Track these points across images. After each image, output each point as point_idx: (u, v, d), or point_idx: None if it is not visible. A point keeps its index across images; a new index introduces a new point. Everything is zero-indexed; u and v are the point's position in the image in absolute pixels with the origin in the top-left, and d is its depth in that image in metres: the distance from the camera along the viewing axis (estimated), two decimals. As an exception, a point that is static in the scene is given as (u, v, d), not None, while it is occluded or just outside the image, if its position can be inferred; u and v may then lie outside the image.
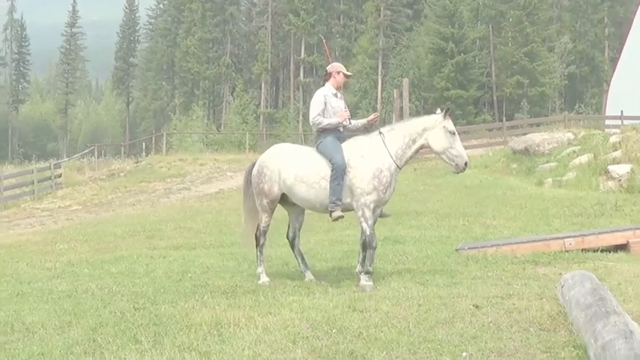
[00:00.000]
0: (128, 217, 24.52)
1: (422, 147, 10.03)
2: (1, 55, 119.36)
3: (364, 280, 9.51)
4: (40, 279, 11.98)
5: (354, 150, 9.88)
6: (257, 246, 10.35)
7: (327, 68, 10.62)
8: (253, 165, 10.49)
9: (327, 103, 10.19)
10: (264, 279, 10.10)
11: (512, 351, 6.48)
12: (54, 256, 14.74)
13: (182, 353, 6.65)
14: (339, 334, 7.04)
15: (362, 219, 9.71)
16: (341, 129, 10.23)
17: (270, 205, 10.18)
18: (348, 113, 10.30)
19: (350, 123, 10.38)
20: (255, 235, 10.38)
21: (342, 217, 9.84)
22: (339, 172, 9.66)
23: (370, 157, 9.80)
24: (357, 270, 9.92)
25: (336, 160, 9.71)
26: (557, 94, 78.91)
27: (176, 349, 6.79)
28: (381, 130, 10.14)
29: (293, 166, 10.00)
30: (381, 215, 10.38)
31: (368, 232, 9.67)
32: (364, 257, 9.74)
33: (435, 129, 9.90)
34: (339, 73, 10.44)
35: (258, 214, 10.41)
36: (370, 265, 9.65)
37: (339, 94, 10.43)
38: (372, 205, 9.70)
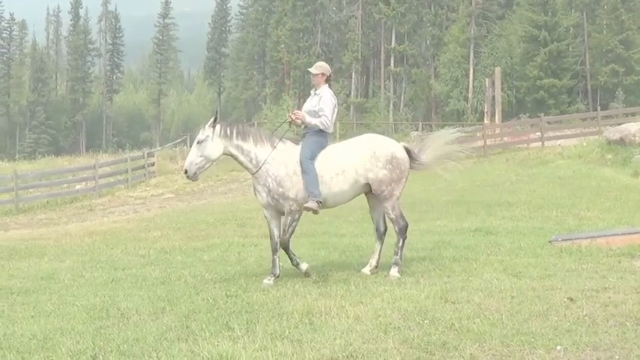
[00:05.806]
0: (220, 205, 24.80)
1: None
2: (96, 46, 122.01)
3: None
4: (134, 265, 12.21)
5: None
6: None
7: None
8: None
9: None
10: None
11: (608, 345, 6.32)
12: (147, 244, 15.00)
13: (274, 341, 6.68)
14: (430, 325, 6.98)
15: None
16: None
17: None
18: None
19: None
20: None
21: None
22: None
23: None
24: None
25: None
26: (654, 83, 76.98)
27: (268, 336, 6.82)
28: None
29: None
30: None
31: None
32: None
33: None
34: None
35: None
36: None
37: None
38: None
